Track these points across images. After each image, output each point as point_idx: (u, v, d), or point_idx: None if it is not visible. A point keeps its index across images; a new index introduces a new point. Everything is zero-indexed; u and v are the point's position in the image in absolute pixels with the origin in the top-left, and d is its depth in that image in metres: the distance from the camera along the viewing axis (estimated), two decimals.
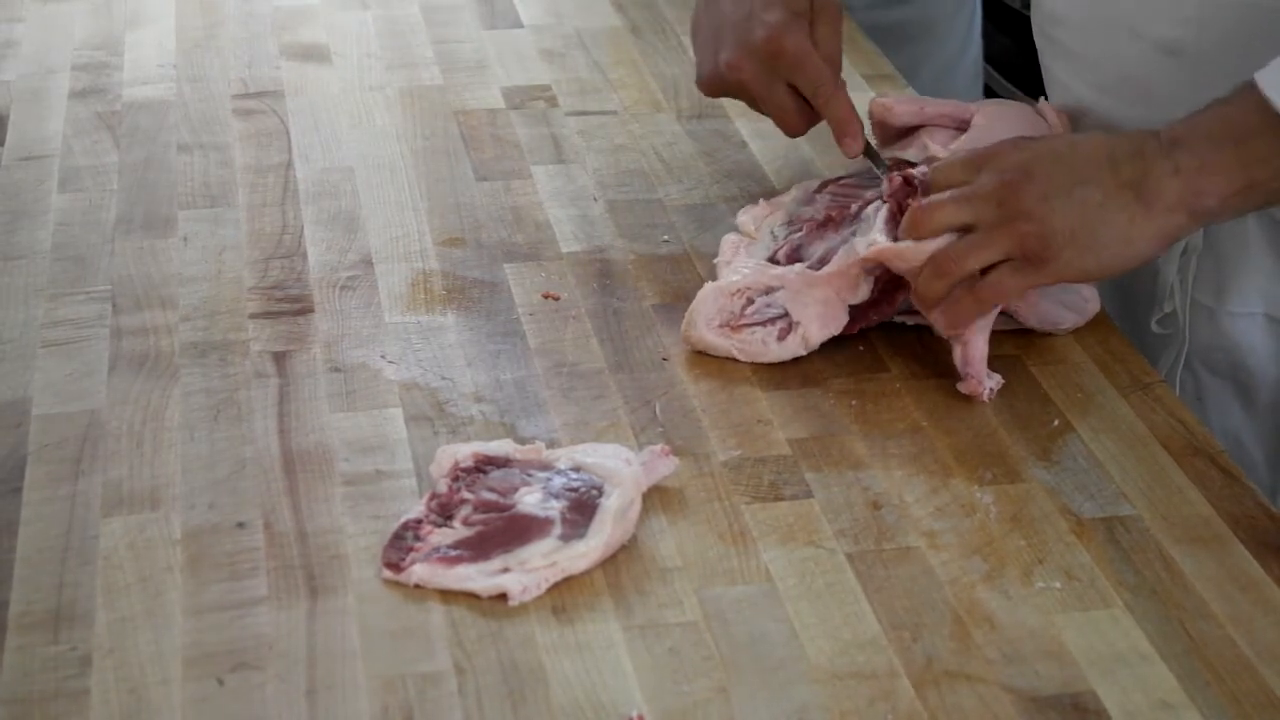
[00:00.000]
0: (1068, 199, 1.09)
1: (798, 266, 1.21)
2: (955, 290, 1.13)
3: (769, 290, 1.20)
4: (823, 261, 1.20)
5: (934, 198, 1.14)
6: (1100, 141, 1.12)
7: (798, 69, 1.29)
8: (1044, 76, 1.37)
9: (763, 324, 1.19)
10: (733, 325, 1.19)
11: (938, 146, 1.28)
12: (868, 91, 1.60)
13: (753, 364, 1.19)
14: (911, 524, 1.05)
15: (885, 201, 1.17)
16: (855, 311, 1.20)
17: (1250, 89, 1.06)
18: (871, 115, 1.35)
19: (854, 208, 1.23)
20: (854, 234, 1.20)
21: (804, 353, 1.19)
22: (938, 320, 1.15)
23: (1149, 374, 1.21)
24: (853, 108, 1.30)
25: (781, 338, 1.19)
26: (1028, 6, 2.45)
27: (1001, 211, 1.10)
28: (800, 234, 1.24)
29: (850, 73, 1.65)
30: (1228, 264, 1.26)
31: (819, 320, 1.19)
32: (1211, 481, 1.10)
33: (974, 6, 2.05)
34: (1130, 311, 1.35)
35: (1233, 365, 1.29)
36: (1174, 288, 1.29)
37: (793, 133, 1.34)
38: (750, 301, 1.20)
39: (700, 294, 1.21)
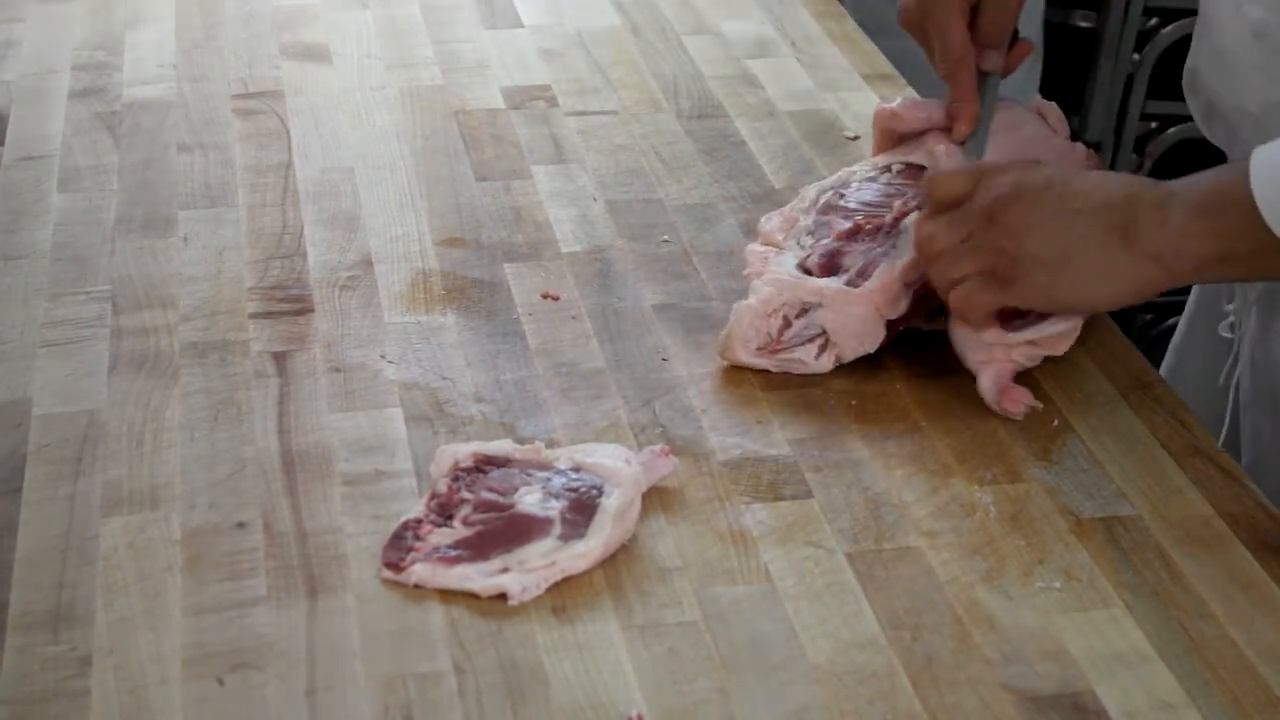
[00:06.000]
0: (1051, 225, 1.09)
1: (836, 282, 1.18)
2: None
3: (805, 309, 1.18)
4: (861, 274, 1.19)
5: (935, 220, 1.14)
6: (1099, 180, 1.12)
7: (937, 33, 1.27)
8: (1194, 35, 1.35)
9: (802, 344, 1.18)
10: (771, 350, 1.18)
11: (944, 150, 1.27)
12: (868, 92, 1.61)
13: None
14: (911, 524, 1.05)
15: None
16: (888, 324, 1.19)
17: (1245, 170, 1.05)
18: (877, 121, 1.34)
19: (889, 217, 1.23)
20: (894, 246, 1.20)
21: (837, 365, 1.19)
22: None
23: (1148, 374, 1.21)
24: (972, 91, 1.27)
25: (819, 355, 1.18)
26: None
27: (987, 227, 1.11)
28: (828, 240, 1.22)
29: (850, 73, 1.65)
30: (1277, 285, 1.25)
31: (856, 338, 1.18)
32: (1211, 481, 1.10)
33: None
34: (1210, 312, 1.34)
35: (1273, 393, 1.26)
36: (1236, 290, 1.27)
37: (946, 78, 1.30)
38: (788, 324, 1.18)
39: (736, 314, 1.18)
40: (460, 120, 1.55)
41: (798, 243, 1.23)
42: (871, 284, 1.17)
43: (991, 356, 1.16)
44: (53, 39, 1.69)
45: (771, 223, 1.27)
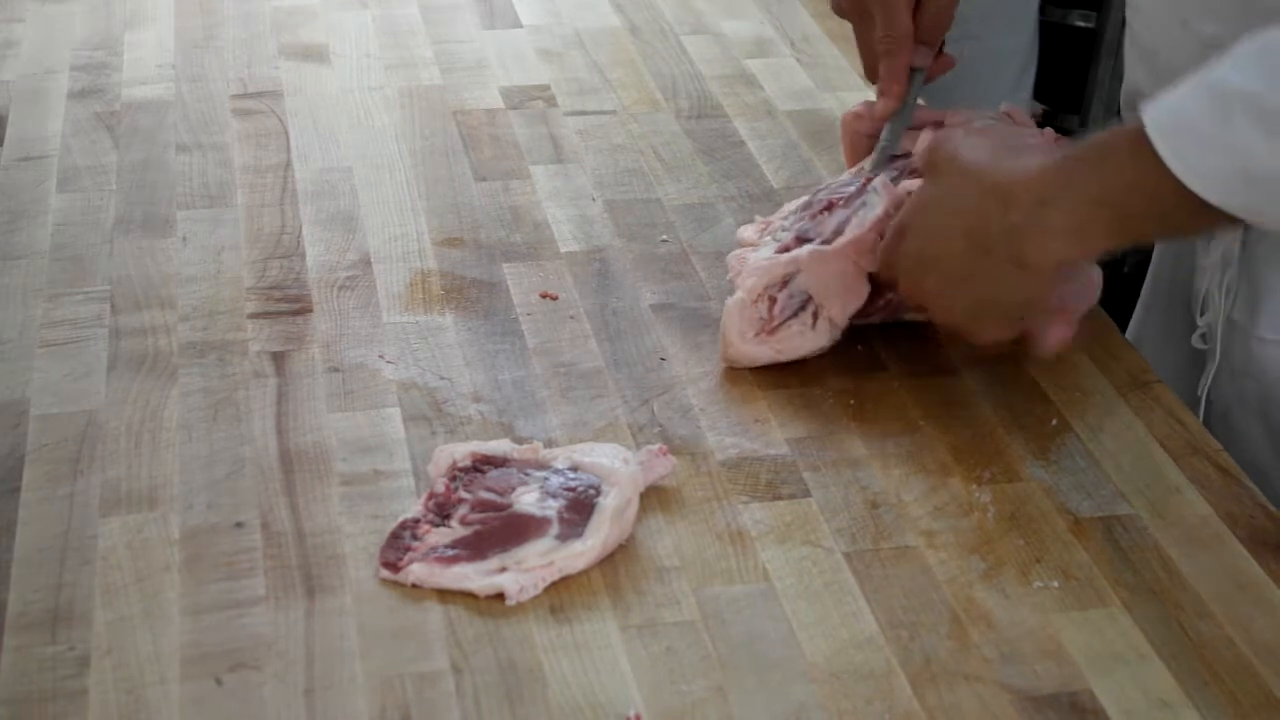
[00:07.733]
0: (960, 295, 1.10)
1: (809, 245, 1.19)
2: None
3: (786, 280, 1.18)
4: (835, 233, 1.19)
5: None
6: (965, 216, 1.09)
7: (882, 11, 1.27)
8: (1125, 55, 1.35)
9: (794, 315, 1.18)
10: (768, 330, 1.18)
11: (910, 145, 1.28)
12: (867, 92, 1.60)
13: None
14: (909, 523, 1.05)
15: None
16: (875, 287, 1.19)
17: (1135, 133, 1.01)
18: (844, 127, 1.34)
19: (855, 187, 1.23)
20: (864, 204, 1.20)
21: (837, 336, 1.19)
22: None
23: (1147, 373, 1.21)
24: (905, 73, 1.28)
25: (814, 324, 1.18)
26: None
27: (919, 300, 1.14)
28: (804, 223, 1.23)
29: (849, 73, 1.65)
30: (1261, 284, 1.23)
31: (841, 296, 1.18)
32: (1209, 480, 1.10)
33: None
34: (1171, 323, 1.34)
35: (1260, 396, 1.25)
36: (1208, 301, 1.27)
37: (868, 76, 1.32)
38: (774, 301, 1.19)
39: (726, 311, 1.19)
40: (459, 120, 1.55)
41: (773, 238, 1.24)
42: (845, 237, 1.18)
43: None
44: (52, 39, 1.69)
45: (748, 231, 1.29)
